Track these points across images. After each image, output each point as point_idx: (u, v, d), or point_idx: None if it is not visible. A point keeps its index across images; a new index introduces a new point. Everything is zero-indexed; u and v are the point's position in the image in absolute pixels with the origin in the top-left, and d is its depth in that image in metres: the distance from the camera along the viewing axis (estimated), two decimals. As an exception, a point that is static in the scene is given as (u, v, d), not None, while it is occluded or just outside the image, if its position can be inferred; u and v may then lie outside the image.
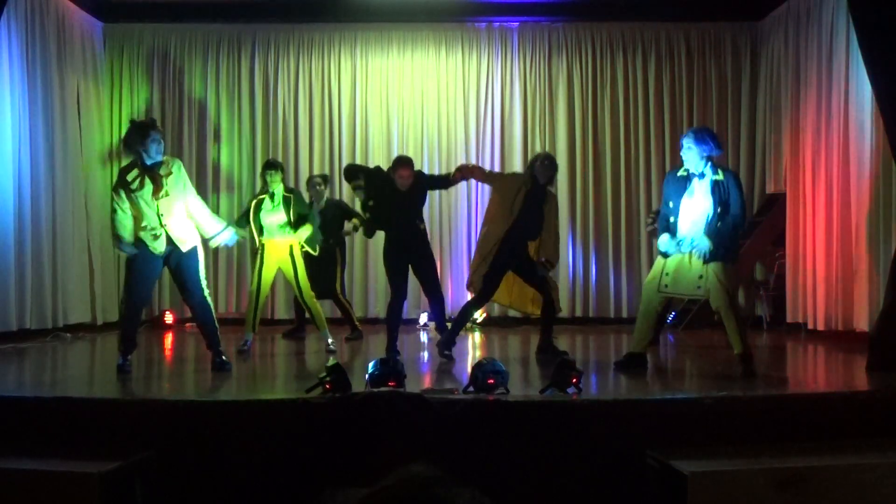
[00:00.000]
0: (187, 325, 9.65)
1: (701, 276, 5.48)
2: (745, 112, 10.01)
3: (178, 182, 5.75)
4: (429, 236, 7.23)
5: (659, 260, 5.70)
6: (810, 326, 8.29)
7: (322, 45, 10.18)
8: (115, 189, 5.80)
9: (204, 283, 5.92)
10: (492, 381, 4.59)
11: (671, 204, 5.58)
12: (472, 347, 7.87)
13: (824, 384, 6.21)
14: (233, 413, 4.46)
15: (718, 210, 5.40)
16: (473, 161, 9.83)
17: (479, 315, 9.75)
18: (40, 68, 8.48)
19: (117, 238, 5.75)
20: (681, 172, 5.62)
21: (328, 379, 4.55)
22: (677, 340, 8.40)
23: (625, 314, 9.79)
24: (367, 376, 4.65)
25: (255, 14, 10.02)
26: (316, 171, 10.10)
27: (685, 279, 5.54)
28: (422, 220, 6.84)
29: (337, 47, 10.17)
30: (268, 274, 7.16)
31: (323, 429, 4.31)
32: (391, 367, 4.67)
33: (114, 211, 5.73)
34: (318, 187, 8.21)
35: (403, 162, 6.70)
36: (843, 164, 7.69)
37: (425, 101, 10.14)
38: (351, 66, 10.15)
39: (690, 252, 5.49)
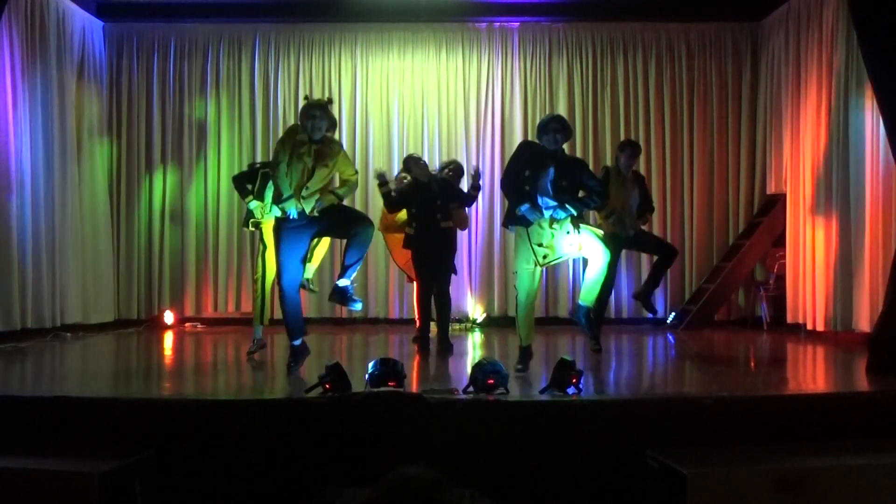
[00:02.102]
0: (187, 324, 9.67)
1: (569, 233, 5.75)
2: (745, 112, 10.00)
3: None
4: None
5: (522, 242, 5.78)
6: (810, 327, 8.28)
7: (322, 45, 10.17)
8: None
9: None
10: (492, 381, 4.60)
11: (527, 174, 5.76)
12: (472, 347, 7.87)
13: (824, 384, 6.21)
14: (233, 413, 4.46)
15: (569, 178, 5.78)
16: (473, 159, 9.82)
17: (480, 315, 9.76)
18: (40, 68, 8.47)
19: None
20: (536, 148, 5.92)
21: (328, 379, 4.56)
22: (677, 340, 8.40)
23: (625, 314, 9.80)
24: (366, 376, 4.65)
25: (255, 14, 10.01)
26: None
27: (559, 244, 5.76)
28: (446, 219, 7.07)
29: (337, 47, 10.17)
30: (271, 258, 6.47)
31: (323, 429, 4.31)
32: (391, 367, 4.67)
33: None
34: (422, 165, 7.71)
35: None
36: (843, 164, 7.68)
37: (426, 101, 10.13)
38: (351, 66, 10.15)
39: (550, 219, 5.74)
